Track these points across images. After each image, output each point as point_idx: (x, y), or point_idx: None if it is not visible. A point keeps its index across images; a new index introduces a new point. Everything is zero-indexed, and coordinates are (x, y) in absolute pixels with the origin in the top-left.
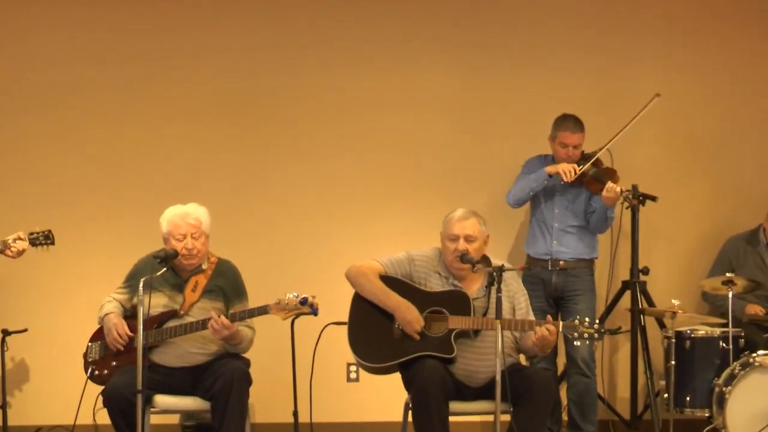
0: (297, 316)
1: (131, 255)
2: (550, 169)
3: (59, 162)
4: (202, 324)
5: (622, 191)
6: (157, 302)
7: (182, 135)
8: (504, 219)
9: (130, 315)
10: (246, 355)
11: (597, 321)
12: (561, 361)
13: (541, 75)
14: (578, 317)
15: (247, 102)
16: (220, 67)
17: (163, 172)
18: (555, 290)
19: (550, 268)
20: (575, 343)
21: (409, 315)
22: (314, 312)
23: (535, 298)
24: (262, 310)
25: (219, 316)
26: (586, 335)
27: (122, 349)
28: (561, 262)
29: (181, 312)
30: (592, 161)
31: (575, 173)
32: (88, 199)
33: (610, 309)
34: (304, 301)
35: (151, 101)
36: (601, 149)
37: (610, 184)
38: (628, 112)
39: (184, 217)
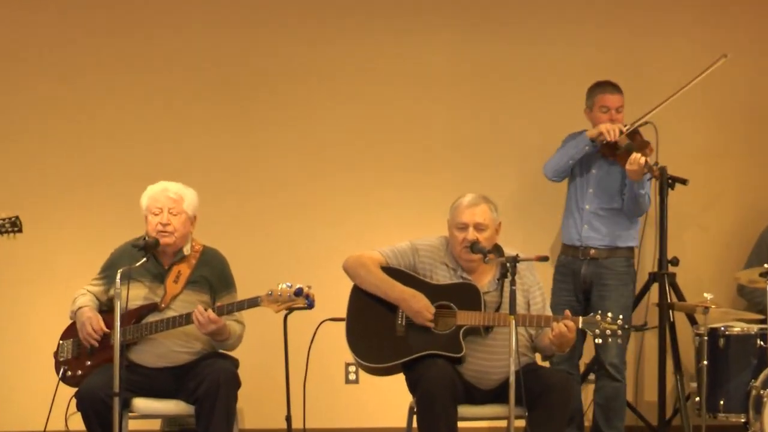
0: (290, 311)
1: (107, 245)
2: (592, 132)
3: (27, 146)
4: (186, 318)
5: (646, 163)
6: (136, 294)
7: (165, 116)
8: (537, 206)
9: (106, 309)
10: (234, 355)
11: (620, 317)
12: (583, 361)
13: (564, 50)
14: (600, 312)
15: (237, 80)
16: (208, 42)
17: (144, 157)
18: (584, 282)
19: (580, 257)
20: (596, 340)
21: (416, 304)
22: (310, 304)
23: (563, 292)
24: (253, 302)
25: (205, 309)
26: (608, 332)
27: (97, 346)
28: (592, 250)
29: (162, 305)
30: (634, 126)
31: (621, 132)
32: (59, 185)
33: (635, 303)
34: (298, 292)
35: (131, 79)
36: (646, 115)
37: (633, 155)
38: (658, 88)
39: (163, 191)
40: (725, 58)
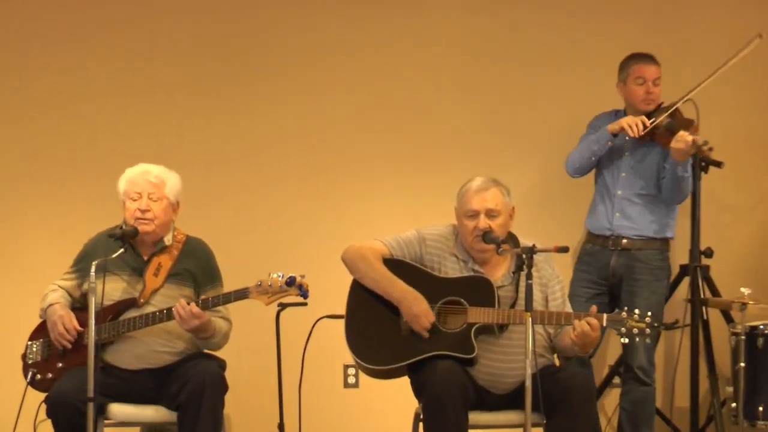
0: (283, 306)
1: (81, 237)
2: (613, 126)
3: None
4: (167, 314)
5: (694, 142)
6: (113, 289)
7: (141, 89)
8: (556, 195)
9: (79, 306)
10: (221, 355)
11: (649, 314)
12: (607, 363)
13: (589, 27)
14: (626, 308)
15: (233, 66)
16: (201, 26)
17: (117, 138)
18: (613, 276)
19: (610, 247)
20: (622, 340)
21: (415, 307)
22: (304, 295)
23: (588, 284)
24: (241, 294)
25: (188, 303)
26: (635, 331)
27: (69, 347)
28: (624, 240)
29: (141, 300)
30: (669, 111)
31: (645, 126)
32: (26, 171)
33: (665, 299)
34: (290, 282)
35: (113, 68)
36: (684, 97)
37: (680, 133)
38: (698, 64)
39: (143, 175)
40: (760, 39)
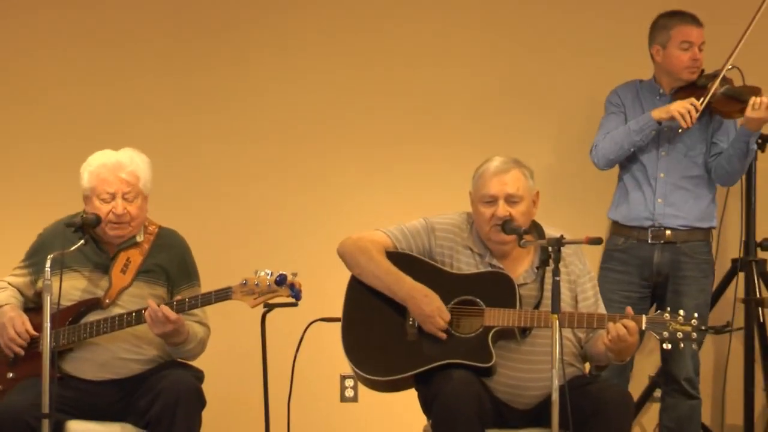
0: (270, 307)
1: (33, 225)
2: (660, 113)
3: None
4: (136, 317)
5: None
6: (73, 287)
7: (112, 71)
8: (580, 182)
9: (33, 307)
10: (198, 364)
11: (695, 315)
12: (647, 373)
13: None
14: (668, 309)
15: (204, 28)
16: None
17: (76, 109)
18: (657, 274)
19: (650, 241)
20: (664, 345)
21: (427, 306)
22: (295, 296)
23: (627, 287)
24: (222, 295)
25: (159, 305)
26: (680, 335)
27: (21, 353)
28: (668, 232)
29: (106, 301)
30: (720, 78)
31: (697, 110)
32: None
33: (714, 299)
34: (280, 281)
35: (69, 24)
36: (728, 59)
37: (758, 99)
38: (729, 23)
39: (114, 170)
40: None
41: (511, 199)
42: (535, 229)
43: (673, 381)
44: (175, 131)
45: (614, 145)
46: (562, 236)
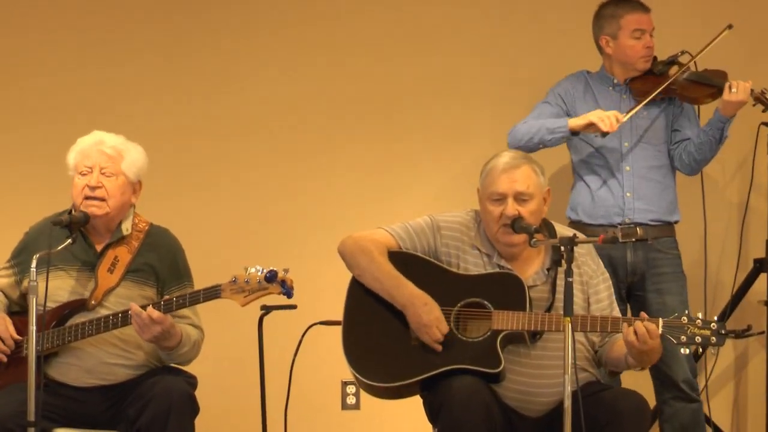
0: (267, 311)
1: (18, 223)
2: (577, 122)
3: None
4: (122, 318)
5: (753, 90)
6: (59, 287)
7: (97, 57)
8: None
9: (18, 310)
10: (191, 370)
11: (715, 318)
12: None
13: None
14: (687, 312)
15: (196, 9)
16: None
17: (63, 102)
18: (633, 274)
19: (621, 239)
20: (682, 350)
21: (426, 315)
22: (287, 293)
23: None
24: (211, 293)
25: (143, 307)
26: (699, 339)
27: (4, 360)
28: (638, 229)
29: (92, 302)
30: (686, 64)
31: (618, 121)
32: None
33: (736, 301)
34: (270, 277)
35: (47, 8)
36: (700, 52)
37: (740, 84)
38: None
39: (96, 144)
40: (730, 30)
41: (520, 197)
42: (546, 227)
43: (671, 386)
44: (169, 126)
45: (527, 134)
46: (575, 235)
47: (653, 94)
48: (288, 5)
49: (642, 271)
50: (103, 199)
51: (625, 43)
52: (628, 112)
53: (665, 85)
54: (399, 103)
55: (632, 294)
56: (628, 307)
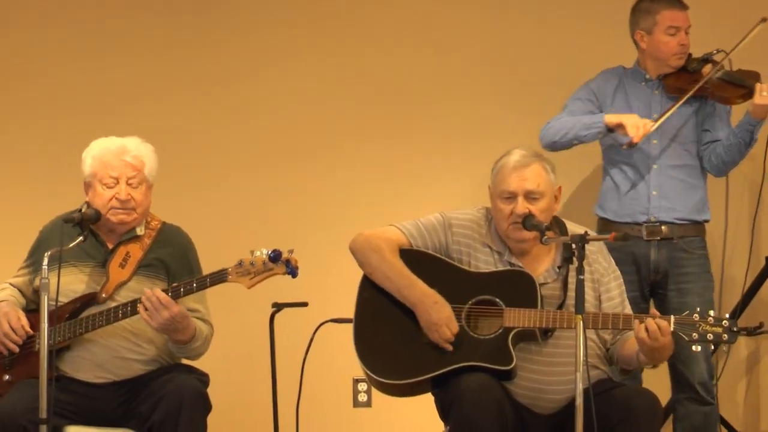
0: (279, 309)
1: (31, 223)
2: (612, 119)
3: None
4: (131, 308)
5: None
6: (71, 283)
7: (101, 53)
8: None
9: (35, 308)
10: (202, 367)
11: (726, 316)
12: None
13: None
14: (699, 310)
15: (214, 19)
16: None
17: (76, 111)
18: (655, 272)
19: (646, 237)
20: (693, 348)
21: (436, 314)
22: (292, 273)
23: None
24: (218, 277)
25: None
26: (710, 336)
27: (16, 351)
28: (663, 228)
29: (103, 295)
30: (714, 62)
31: (647, 130)
32: None
33: (748, 298)
34: (275, 257)
35: (71, 23)
36: (734, 49)
37: (764, 86)
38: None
39: (118, 153)
40: (765, 23)
41: (531, 196)
42: (557, 225)
43: (687, 387)
44: (176, 124)
45: (561, 130)
46: (586, 232)
47: (686, 96)
48: (293, 4)
49: (665, 269)
50: (133, 209)
51: (659, 39)
52: (655, 122)
53: (700, 84)
54: (407, 100)
55: (655, 292)
56: (652, 305)
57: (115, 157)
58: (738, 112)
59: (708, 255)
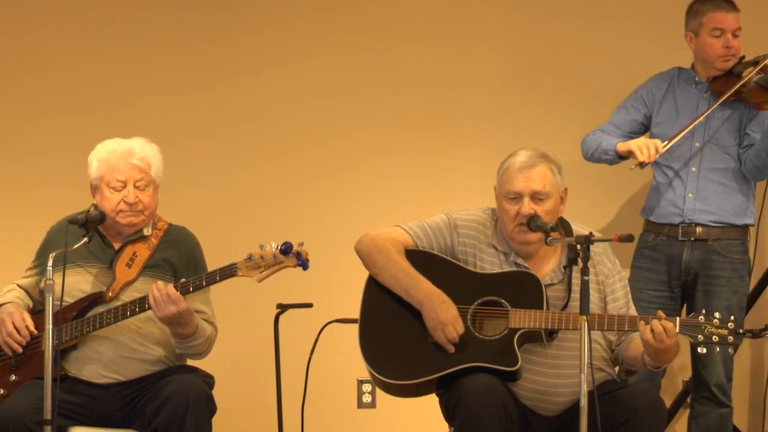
0: (284, 310)
1: (37, 225)
2: (622, 147)
3: None
4: (140, 305)
5: None
6: (78, 282)
7: (106, 51)
8: (616, 176)
9: (42, 309)
10: (207, 368)
11: (732, 318)
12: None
13: None
14: (704, 311)
15: (215, 14)
16: None
17: (80, 110)
18: (686, 273)
19: (681, 237)
20: (699, 350)
21: (442, 313)
22: (303, 264)
23: (650, 284)
24: (228, 272)
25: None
26: (715, 339)
27: (20, 351)
28: (698, 229)
29: (110, 294)
30: (760, 66)
31: (657, 152)
32: None
33: (752, 300)
34: (285, 249)
35: (56, 4)
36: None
37: None
38: None
39: (125, 156)
40: None
41: (537, 196)
42: (563, 226)
43: (703, 387)
44: (182, 122)
45: (591, 148)
46: (591, 233)
47: (720, 101)
48: (303, 6)
49: (695, 270)
50: (141, 211)
51: (704, 41)
52: (670, 140)
53: (734, 89)
54: (414, 101)
55: (687, 293)
56: (684, 306)
57: (121, 160)
58: None
59: (748, 261)
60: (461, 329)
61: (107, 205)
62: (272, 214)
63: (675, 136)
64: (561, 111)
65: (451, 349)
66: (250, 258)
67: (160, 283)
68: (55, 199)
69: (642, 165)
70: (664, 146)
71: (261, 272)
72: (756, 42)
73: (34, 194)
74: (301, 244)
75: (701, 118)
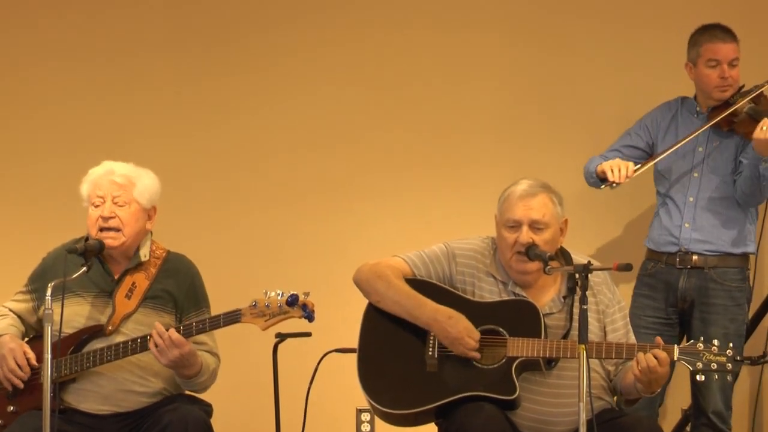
0: (282, 339)
1: (40, 250)
2: (599, 167)
3: None
4: (140, 344)
5: None
6: (76, 313)
7: (111, 82)
8: (620, 204)
9: (35, 336)
10: (206, 397)
11: (731, 345)
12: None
13: None
14: (702, 339)
15: (209, 34)
16: None
17: (87, 136)
18: (683, 300)
19: (678, 265)
20: (697, 377)
21: (453, 328)
22: (309, 317)
23: (648, 310)
24: (232, 318)
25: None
26: (713, 366)
27: (21, 386)
28: (695, 257)
29: (109, 328)
30: (751, 96)
31: (628, 173)
32: None
33: (752, 327)
34: (292, 301)
35: (65, 34)
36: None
37: (764, 120)
38: None
39: (107, 174)
40: None
41: (535, 225)
42: (563, 256)
43: (702, 415)
44: (185, 153)
45: (586, 173)
46: (589, 262)
47: (700, 131)
48: (301, 31)
49: (692, 298)
50: (118, 230)
51: (701, 71)
52: (643, 165)
53: (721, 116)
54: (415, 130)
55: (683, 321)
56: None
57: (102, 177)
58: None
59: (747, 289)
60: (477, 336)
61: (89, 222)
62: (272, 247)
63: (648, 162)
64: (563, 144)
65: (477, 356)
66: (254, 305)
67: (161, 327)
68: (48, 215)
69: (612, 185)
70: (636, 169)
71: (266, 320)
72: (757, 71)
73: (29, 210)
74: (307, 294)
75: (678, 146)
